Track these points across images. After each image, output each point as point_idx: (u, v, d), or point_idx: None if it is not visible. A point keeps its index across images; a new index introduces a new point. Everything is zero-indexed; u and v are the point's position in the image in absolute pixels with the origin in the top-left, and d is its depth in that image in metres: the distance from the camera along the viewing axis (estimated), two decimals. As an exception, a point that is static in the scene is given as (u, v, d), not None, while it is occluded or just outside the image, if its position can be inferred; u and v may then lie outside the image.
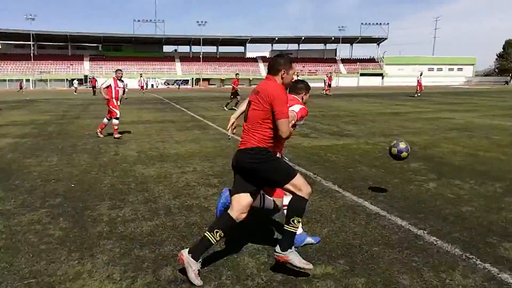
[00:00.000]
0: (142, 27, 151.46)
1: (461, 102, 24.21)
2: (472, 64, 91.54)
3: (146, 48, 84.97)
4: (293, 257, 3.04)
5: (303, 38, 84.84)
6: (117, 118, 10.40)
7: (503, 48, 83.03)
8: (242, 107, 3.52)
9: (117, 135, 10.25)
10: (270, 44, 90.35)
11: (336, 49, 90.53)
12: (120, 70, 10.95)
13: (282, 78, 3.26)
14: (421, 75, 32.15)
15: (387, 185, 5.71)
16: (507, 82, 76.92)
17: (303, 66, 79.88)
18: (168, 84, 77.70)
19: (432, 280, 3.09)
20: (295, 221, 3.04)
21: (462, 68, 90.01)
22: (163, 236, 3.96)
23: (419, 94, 31.40)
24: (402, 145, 5.29)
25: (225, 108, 19.80)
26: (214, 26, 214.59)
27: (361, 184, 5.76)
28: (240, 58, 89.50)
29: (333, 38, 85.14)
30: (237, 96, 20.13)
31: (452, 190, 5.48)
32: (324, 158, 7.68)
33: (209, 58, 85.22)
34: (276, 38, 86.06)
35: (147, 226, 4.21)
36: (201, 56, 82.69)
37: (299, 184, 3.10)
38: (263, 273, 3.22)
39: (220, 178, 6.14)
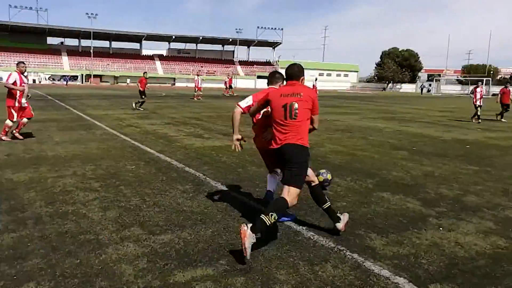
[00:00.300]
0: (21, 14, 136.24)
1: (346, 105, 26.47)
2: (356, 71, 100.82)
3: (27, 39, 76.81)
4: (249, 240, 3.30)
5: (201, 38, 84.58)
6: (12, 121, 9.11)
7: (380, 58, 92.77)
8: (237, 120, 4.22)
9: (4, 138, 8.96)
10: (167, 42, 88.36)
11: (234, 50, 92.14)
12: (23, 62, 9.53)
13: (302, 82, 3.97)
14: (316, 80, 34.30)
15: (273, 184, 5.91)
16: (384, 89, 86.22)
17: (202, 66, 79.73)
18: (54, 79, 71.21)
19: (306, 273, 3.26)
20: (273, 216, 3.47)
21: (347, 75, 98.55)
22: (28, 248, 3.55)
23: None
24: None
25: (134, 105, 18.38)
26: (105, 20, 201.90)
27: (249, 184, 5.90)
28: (136, 55, 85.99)
29: (230, 40, 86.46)
30: (143, 97, 18.88)
31: (331, 187, 5.89)
32: (216, 158, 7.70)
33: (101, 53, 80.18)
34: (174, 37, 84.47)
35: (9, 239, 3.73)
36: (91, 50, 77.30)
37: (296, 194, 3.75)
38: (140, 280, 3.07)
39: (102, 182, 5.76)
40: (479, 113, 17.69)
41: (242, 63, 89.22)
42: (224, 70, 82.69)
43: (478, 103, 17.88)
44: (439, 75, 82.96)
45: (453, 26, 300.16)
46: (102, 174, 6.23)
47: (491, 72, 80.00)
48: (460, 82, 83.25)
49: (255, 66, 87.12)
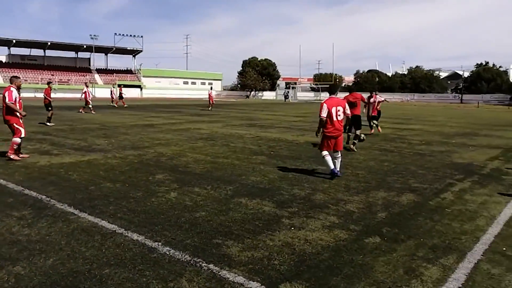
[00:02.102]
0: None
1: (211, 113, 26.84)
2: (220, 80, 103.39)
3: None
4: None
5: (49, 43, 76.23)
6: (21, 138, 8.49)
7: (242, 66, 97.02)
8: None
9: (13, 156, 8.33)
10: (7, 48, 77.57)
11: (90, 58, 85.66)
12: (18, 77, 8.87)
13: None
14: (211, 89, 33.86)
15: (129, 200, 5.57)
16: (247, 96, 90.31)
17: (52, 75, 71.95)
18: None
19: (160, 293, 3.09)
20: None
21: (212, 83, 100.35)
22: None
23: (210, 108, 32.01)
24: None
25: (47, 124, 16.05)
26: None
27: (102, 202, 5.43)
28: (-36, 62, 73.34)
29: (85, 46, 79.97)
30: (50, 109, 16.62)
31: (191, 197, 5.81)
32: (64, 177, 6.93)
33: None
34: (14, 41, 74.40)
35: None
36: None
37: None
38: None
39: None
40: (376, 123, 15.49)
41: (100, 71, 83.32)
42: (79, 78, 76.23)
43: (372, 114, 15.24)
44: (295, 83, 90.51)
45: (304, 38, 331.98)
46: None
47: (337, 80, 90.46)
48: (313, 89, 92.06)
49: (115, 74, 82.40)
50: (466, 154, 10.56)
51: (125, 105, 34.00)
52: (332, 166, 7.14)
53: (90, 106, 24.78)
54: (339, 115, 7.17)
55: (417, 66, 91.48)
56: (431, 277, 3.49)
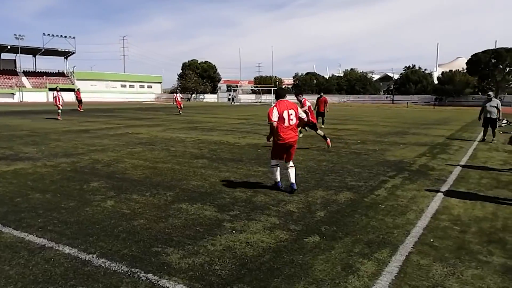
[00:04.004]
0: None
1: (151, 117, 26.12)
2: (159, 82, 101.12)
3: None
4: None
5: (-35, 43, 69.91)
6: None
7: (182, 69, 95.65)
8: None
9: None
10: None
11: (15, 59, 79.73)
12: None
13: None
14: (177, 93, 32.84)
15: (61, 211, 5.24)
16: (188, 99, 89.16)
17: (-27, 77, 66.41)
18: None
19: (94, 309, 2.92)
20: None
21: (151, 86, 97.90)
22: None
23: (180, 112, 31.17)
24: None
25: None
26: None
27: (29, 215, 5.05)
28: None
29: (9, 47, 74.31)
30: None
31: (128, 205, 5.59)
32: (-14, 189, 6.37)
33: None
34: None
35: None
36: None
37: None
38: None
39: None
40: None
41: (28, 74, 77.89)
42: (4, 82, 70.90)
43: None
44: (236, 86, 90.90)
45: (244, 41, 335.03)
46: None
47: (277, 82, 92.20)
48: (254, 91, 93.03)
49: (45, 77, 77.51)
50: (398, 152, 11.20)
51: (82, 110, 32.13)
52: (278, 179, 6.58)
53: (59, 111, 23.05)
54: (291, 120, 6.32)
55: (352, 69, 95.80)
56: (367, 271, 3.64)
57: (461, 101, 67.45)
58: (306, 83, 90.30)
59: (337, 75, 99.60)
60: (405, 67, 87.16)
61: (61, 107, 23.24)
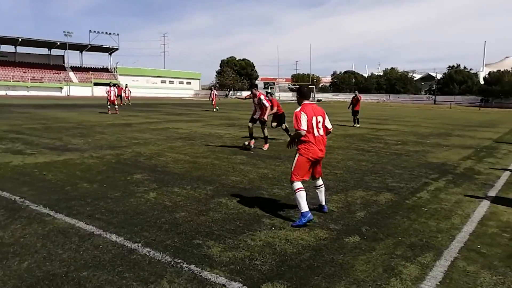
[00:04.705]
0: None
1: (189, 113, 26.63)
2: (198, 79, 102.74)
3: None
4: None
5: (20, 39, 73.83)
6: None
7: (220, 66, 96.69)
8: None
9: None
10: (-25, 43, 74.70)
11: (63, 55, 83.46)
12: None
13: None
14: (213, 89, 33.69)
15: (107, 201, 5.46)
16: (226, 95, 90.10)
17: (24, 72, 70.13)
18: None
19: (140, 296, 3.04)
20: None
21: (190, 82, 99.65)
22: None
23: (214, 109, 31.18)
24: None
25: None
26: None
27: (78, 203, 5.30)
28: None
29: (59, 44, 77.84)
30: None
31: (170, 198, 5.74)
32: (39, 177, 6.74)
33: None
34: (-18, 37, 71.73)
35: None
36: None
37: None
38: None
39: None
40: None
41: (75, 69, 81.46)
42: (53, 76, 74.39)
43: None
44: (274, 83, 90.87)
45: (282, 39, 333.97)
46: None
47: (315, 80, 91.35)
48: (291, 89, 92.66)
49: (90, 72, 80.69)
50: (441, 154, 10.83)
51: (121, 104, 33.10)
52: (306, 208, 4.73)
53: (116, 106, 24.03)
54: (319, 128, 4.99)
55: (392, 68, 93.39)
56: (410, 275, 3.56)
57: (510, 103, 64.20)
58: (345, 82, 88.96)
59: (376, 74, 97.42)
60: (449, 66, 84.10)
61: (115, 102, 24.05)
